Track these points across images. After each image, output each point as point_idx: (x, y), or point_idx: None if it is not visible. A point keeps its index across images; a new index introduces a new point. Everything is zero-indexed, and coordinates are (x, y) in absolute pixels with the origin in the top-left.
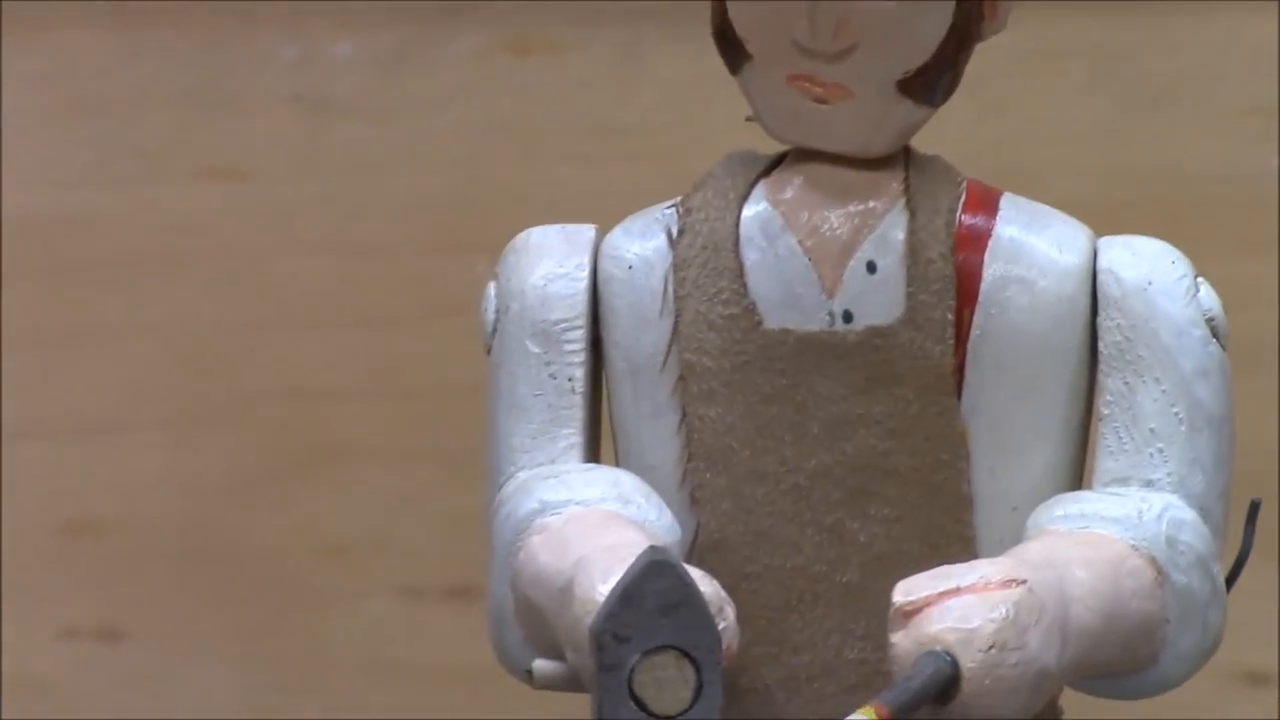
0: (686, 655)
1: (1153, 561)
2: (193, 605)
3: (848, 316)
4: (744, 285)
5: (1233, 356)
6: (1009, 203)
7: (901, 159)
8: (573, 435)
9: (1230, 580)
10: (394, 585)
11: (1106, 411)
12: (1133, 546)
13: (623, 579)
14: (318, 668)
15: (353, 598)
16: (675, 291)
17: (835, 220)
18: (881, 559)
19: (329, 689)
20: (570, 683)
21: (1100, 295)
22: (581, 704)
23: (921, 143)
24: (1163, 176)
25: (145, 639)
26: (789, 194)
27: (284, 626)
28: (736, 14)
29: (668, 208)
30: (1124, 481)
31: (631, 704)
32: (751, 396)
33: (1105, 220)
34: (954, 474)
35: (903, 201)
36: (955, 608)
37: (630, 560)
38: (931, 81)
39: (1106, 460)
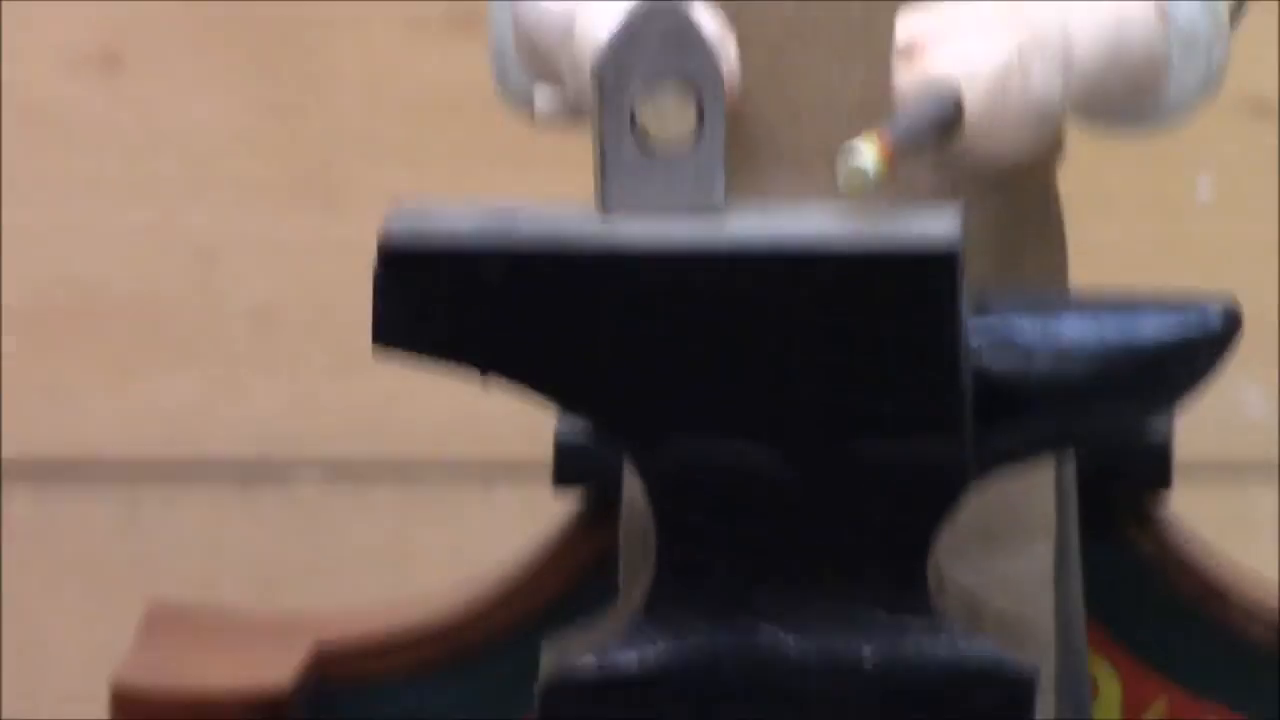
0: (689, 87)
1: None
2: (194, 31)
3: None
4: None
5: None
6: None
7: None
8: None
9: (1234, 17)
10: (397, 15)
11: None
12: None
13: (626, 14)
14: (320, 96)
15: (355, 25)
16: None
17: None
18: None
19: (330, 117)
20: (572, 117)
21: None
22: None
23: None
24: None
25: (146, 65)
26: None
27: (286, 54)
28: None
29: None
30: None
31: (633, 137)
32: None
33: None
34: None
35: None
36: (958, 42)
37: None
38: None
39: None
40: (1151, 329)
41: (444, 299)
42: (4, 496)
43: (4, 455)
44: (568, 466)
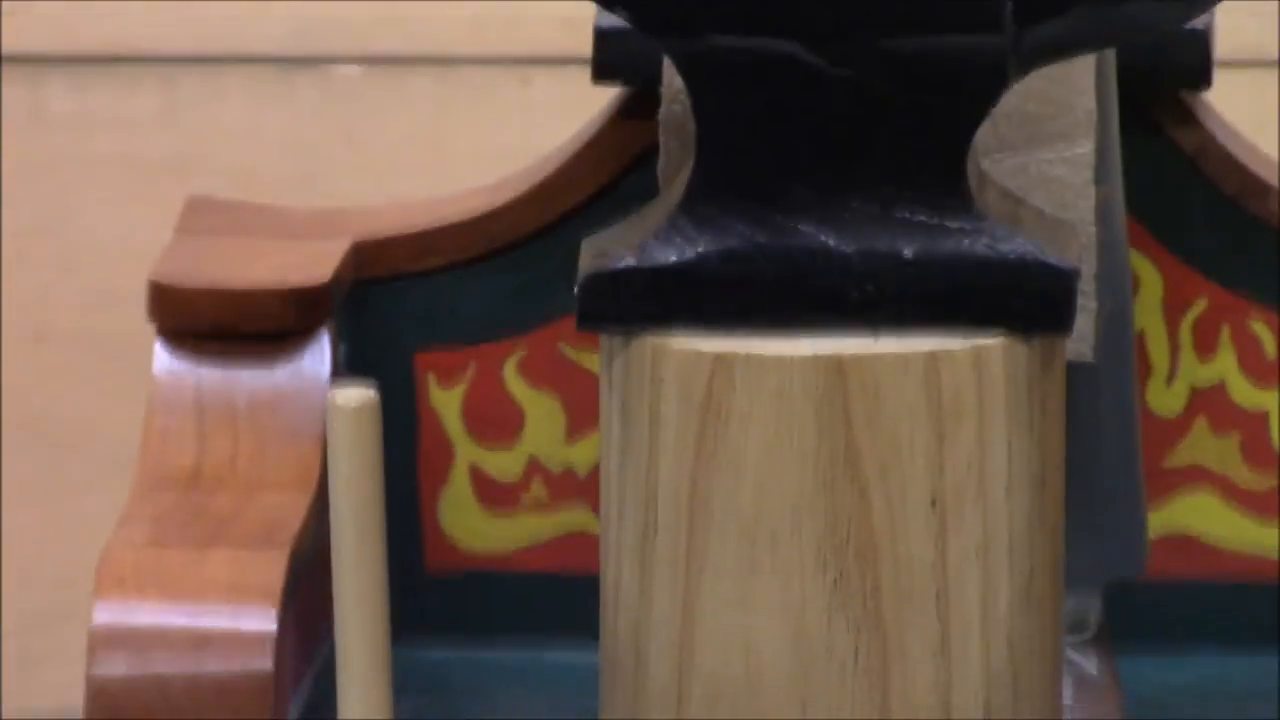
0: None
1: None
2: None
3: None
4: None
5: None
6: None
7: None
8: None
9: None
10: None
11: None
12: None
13: None
14: None
15: None
16: None
17: None
18: None
19: None
20: None
21: None
22: None
23: None
24: None
25: None
26: None
27: None
28: None
29: None
30: None
31: None
32: None
33: None
34: None
35: None
36: None
37: None
38: None
39: None
40: None
41: None
42: (44, 90)
43: (42, 49)
44: (607, 59)
